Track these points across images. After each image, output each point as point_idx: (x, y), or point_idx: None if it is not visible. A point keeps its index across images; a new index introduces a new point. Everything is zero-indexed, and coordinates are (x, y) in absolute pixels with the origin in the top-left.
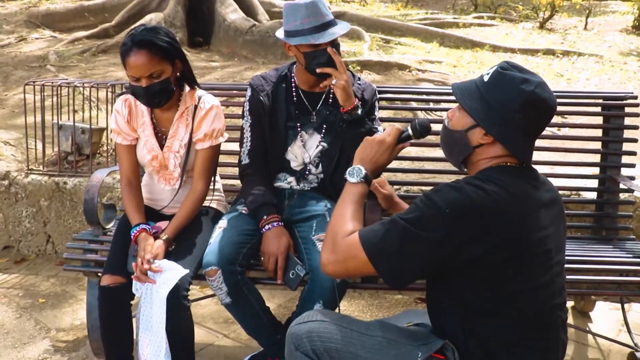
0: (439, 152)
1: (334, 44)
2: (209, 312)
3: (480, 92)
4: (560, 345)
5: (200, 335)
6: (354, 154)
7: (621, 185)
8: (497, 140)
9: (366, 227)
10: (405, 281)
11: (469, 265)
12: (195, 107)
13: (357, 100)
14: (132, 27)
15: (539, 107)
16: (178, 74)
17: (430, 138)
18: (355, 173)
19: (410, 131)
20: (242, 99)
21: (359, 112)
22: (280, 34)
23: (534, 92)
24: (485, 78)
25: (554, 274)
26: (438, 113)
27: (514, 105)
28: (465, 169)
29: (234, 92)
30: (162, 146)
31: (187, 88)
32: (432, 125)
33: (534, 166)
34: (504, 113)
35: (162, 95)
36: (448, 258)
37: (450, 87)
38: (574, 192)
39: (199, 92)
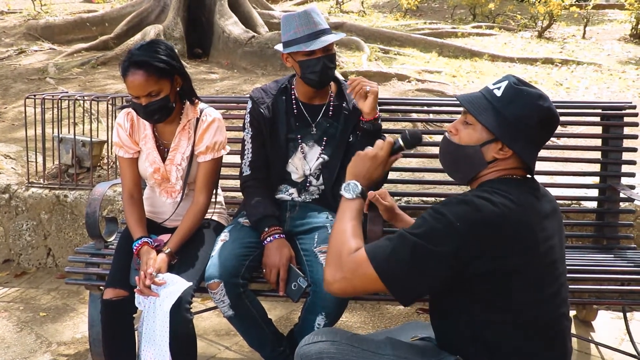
0: (439, 163)
1: (329, 54)
2: (211, 324)
3: (494, 107)
4: (568, 354)
5: (202, 347)
6: None
7: (621, 194)
8: (517, 154)
9: (372, 243)
10: (417, 297)
11: (478, 276)
12: (197, 120)
13: (378, 112)
14: (132, 39)
15: (552, 122)
16: (178, 88)
17: (431, 149)
18: (351, 189)
19: (401, 142)
20: (241, 112)
21: (379, 122)
22: (279, 46)
23: (550, 109)
24: (498, 93)
25: (559, 284)
26: (438, 124)
27: (532, 120)
28: (468, 183)
29: (233, 104)
30: (164, 159)
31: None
32: (427, 135)
33: (534, 177)
34: (522, 128)
35: (161, 112)
36: (459, 271)
37: (451, 99)
38: (574, 202)
39: (201, 105)
